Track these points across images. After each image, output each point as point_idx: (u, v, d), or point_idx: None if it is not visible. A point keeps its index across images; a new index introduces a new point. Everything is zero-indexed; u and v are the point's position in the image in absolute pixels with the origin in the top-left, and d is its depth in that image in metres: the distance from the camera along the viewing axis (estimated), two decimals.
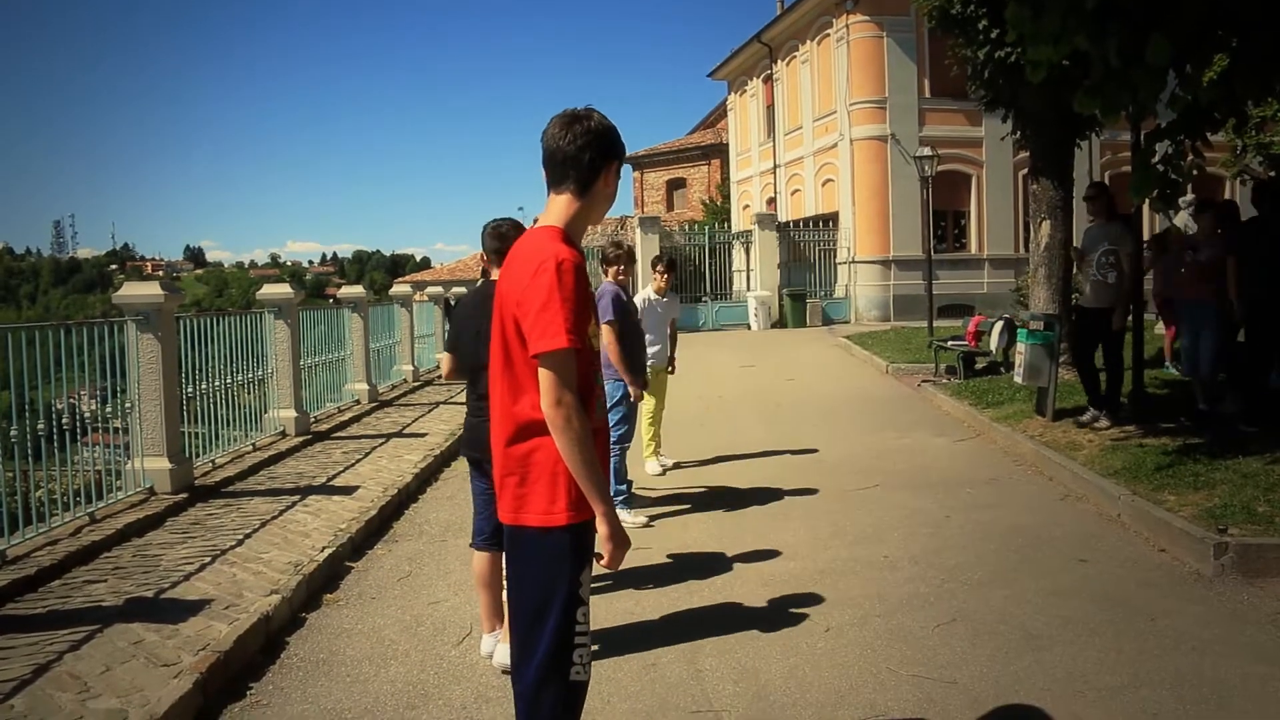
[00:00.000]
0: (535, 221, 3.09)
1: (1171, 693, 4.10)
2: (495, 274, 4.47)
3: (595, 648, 4.76)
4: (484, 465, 4.51)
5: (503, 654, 4.59)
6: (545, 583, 2.77)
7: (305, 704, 4.29)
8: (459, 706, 4.22)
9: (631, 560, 6.23)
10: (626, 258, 7.42)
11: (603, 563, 2.80)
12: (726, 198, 40.08)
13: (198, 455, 8.67)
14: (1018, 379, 10.46)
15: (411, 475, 8.54)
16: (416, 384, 16.01)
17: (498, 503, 2.89)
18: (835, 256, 28.57)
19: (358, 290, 14.38)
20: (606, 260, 7.43)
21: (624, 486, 7.27)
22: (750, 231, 29.13)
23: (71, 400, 7.30)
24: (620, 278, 7.36)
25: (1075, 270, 9.74)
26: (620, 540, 2.77)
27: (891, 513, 7.23)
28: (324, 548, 6.28)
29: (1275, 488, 6.50)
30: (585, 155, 2.84)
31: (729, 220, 36.86)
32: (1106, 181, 27.82)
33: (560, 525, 2.75)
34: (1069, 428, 9.31)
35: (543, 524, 2.76)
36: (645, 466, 8.95)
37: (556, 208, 2.89)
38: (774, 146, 33.65)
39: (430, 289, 20.39)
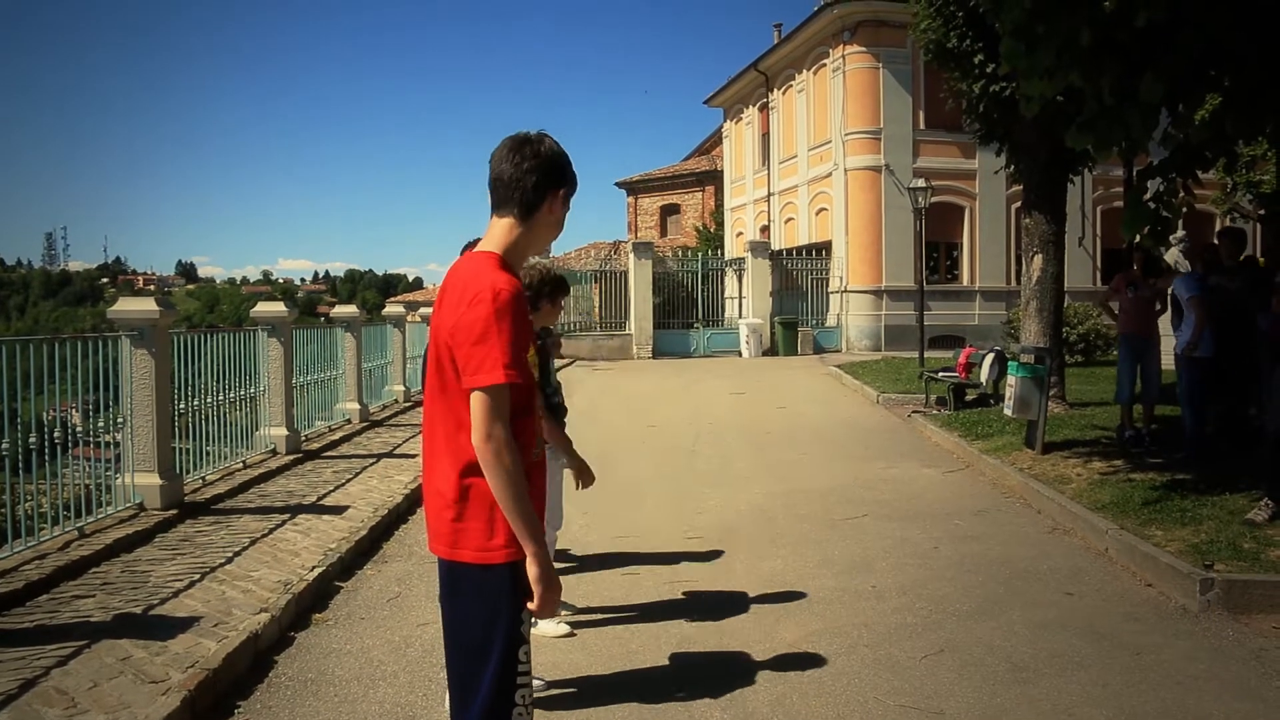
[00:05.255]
0: (471, 245, 3.00)
1: None
2: None
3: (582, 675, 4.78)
4: None
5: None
6: (485, 622, 2.66)
7: None
8: None
9: (620, 587, 6.26)
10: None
11: (532, 606, 2.67)
12: (720, 224, 40.24)
13: (188, 471, 8.65)
14: (1007, 411, 10.50)
15: (402, 496, 8.53)
16: (408, 404, 16.00)
17: (431, 537, 2.77)
18: (828, 285, 28.70)
19: (351, 310, 14.40)
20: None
21: None
22: (743, 259, 29.24)
23: (62, 413, 7.30)
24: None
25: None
26: (551, 583, 2.65)
27: (880, 543, 7.24)
28: (313, 567, 6.27)
29: (1260, 525, 6.54)
30: (531, 179, 2.74)
31: (722, 247, 36.99)
32: (1098, 216, 28.28)
33: (500, 562, 2.65)
34: (1058, 461, 9.35)
35: (482, 560, 2.65)
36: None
37: (497, 232, 2.78)
38: (768, 174, 33.84)
39: (423, 309, 20.44)
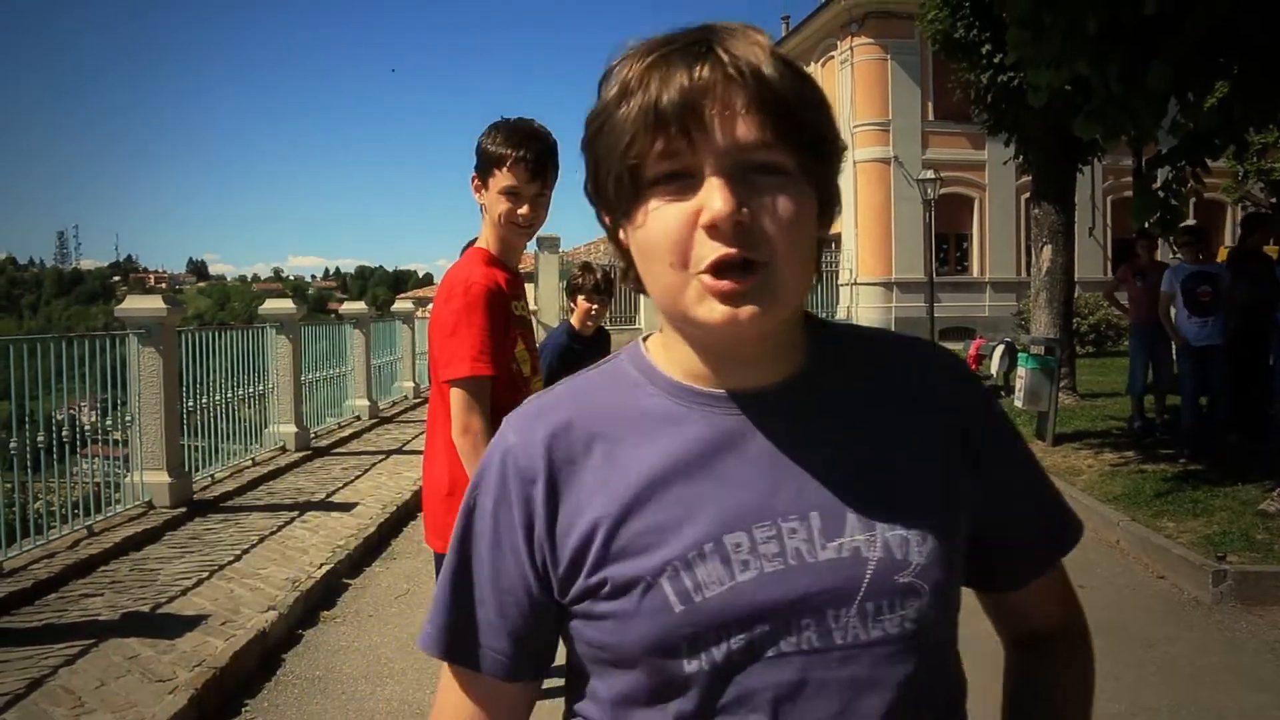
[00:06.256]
0: (470, 244, 3.04)
1: None
2: None
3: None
4: None
5: None
6: None
7: None
8: None
9: None
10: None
11: None
12: None
13: (197, 469, 8.66)
14: (1018, 403, 10.46)
15: (411, 492, 8.52)
16: (417, 400, 16.01)
17: (427, 531, 2.82)
18: (837, 278, 28.59)
19: (360, 306, 14.45)
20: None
21: None
22: None
23: (71, 412, 7.32)
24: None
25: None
26: None
27: None
28: (322, 564, 6.27)
29: (1274, 515, 6.49)
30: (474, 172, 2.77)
31: None
32: (1108, 206, 28.12)
33: None
34: (1069, 452, 9.31)
35: None
36: None
37: (484, 227, 2.82)
38: None
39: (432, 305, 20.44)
